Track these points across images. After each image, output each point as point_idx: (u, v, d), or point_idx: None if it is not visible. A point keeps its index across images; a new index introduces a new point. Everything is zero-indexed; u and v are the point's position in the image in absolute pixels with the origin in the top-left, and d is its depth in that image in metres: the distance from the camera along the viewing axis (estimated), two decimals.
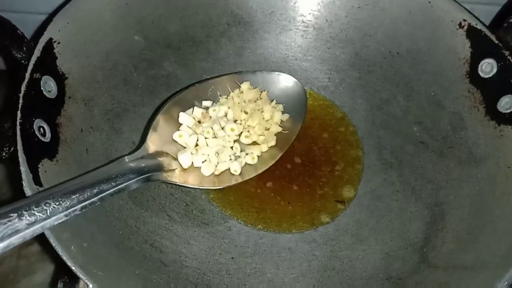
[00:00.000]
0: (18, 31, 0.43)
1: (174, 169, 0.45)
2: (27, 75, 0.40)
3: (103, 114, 0.49)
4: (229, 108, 0.51)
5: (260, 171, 0.49)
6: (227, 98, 0.53)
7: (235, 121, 0.51)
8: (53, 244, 0.33)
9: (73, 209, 0.33)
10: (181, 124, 0.49)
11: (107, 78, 0.50)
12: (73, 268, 0.32)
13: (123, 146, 0.50)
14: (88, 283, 0.32)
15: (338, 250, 0.48)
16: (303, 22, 0.61)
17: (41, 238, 0.32)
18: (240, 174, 0.48)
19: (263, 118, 0.52)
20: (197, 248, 0.47)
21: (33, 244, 0.59)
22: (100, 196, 0.35)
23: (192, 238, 0.47)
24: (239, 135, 0.51)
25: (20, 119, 0.38)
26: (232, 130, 0.50)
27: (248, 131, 0.51)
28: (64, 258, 0.32)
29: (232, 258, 0.47)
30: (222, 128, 0.49)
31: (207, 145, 0.48)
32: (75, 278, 0.36)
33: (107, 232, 0.41)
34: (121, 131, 0.51)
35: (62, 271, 0.37)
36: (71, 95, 0.45)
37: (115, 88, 0.51)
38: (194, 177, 0.46)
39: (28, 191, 0.34)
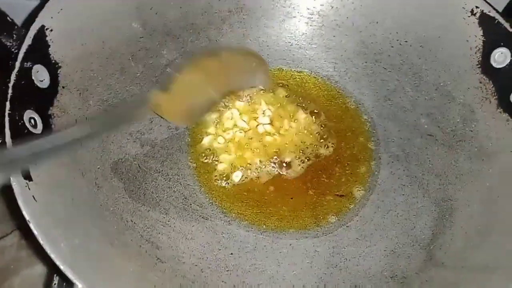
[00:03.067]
0: (8, 17, 0.42)
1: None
2: (18, 64, 0.38)
3: (99, 104, 0.48)
4: None
5: None
6: None
7: None
8: (41, 242, 0.31)
9: None
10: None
11: (103, 67, 0.49)
12: (62, 267, 0.31)
13: (120, 138, 0.49)
14: (78, 283, 0.31)
15: (341, 247, 0.47)
16: (308, 9, 0.59)
17: None
18: None
19: None
20: (195, 244, 0.46)
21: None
22: None
23: (190, 233, 0.46)
24: None
25: (9, 110, 0.36)
26: None
27: None
28: (53, 257, 0.31)
29: (231, 254, 0.46)
30: None
31: None
32: None
33: (101, 228, 0.40)
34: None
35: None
36: (65, 84, 0.44)
37: (112, 77, 0.50)
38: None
39: (16, 187, 0.33)
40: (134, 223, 0.44)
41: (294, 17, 0.60)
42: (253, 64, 0.54)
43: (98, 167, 0.45)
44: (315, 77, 0.59)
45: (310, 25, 0.60)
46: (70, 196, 0.39)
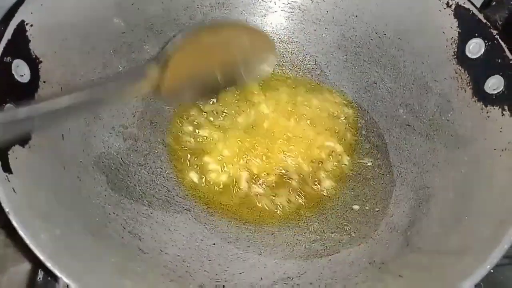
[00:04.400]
0: None
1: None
2: None
3: None
4: None
5: None
6: None
7: None
8: (20, 233, 0.32)
9: None
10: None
11: (85, 62, 0.49)
12: (41, 257, 0.31)
13: (103, 132, 0.49)
14: (58, 273, 0.31)
15: (322, 234, 0.48)
16: (289, 3, 0.60)
17: None
18: None
19: None
20: (177, 235, 0.46)
21: None
22: None
23: (172, 225, 0.47)
24: None
25: None
26: None
27: None
28: (32, 247, 0.31)
29: (214, 244, 0.46)
30: None
31: None
32: None
33: (83, 219, 0.40)
34: (100, 116, 0.49)
35: None
36: (46, 79, 0.44)
37: (94, 72, 0.50)
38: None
39: None
40: (117, 215, 0.44)
41: (275, 11, 0.60)
42: (258, 43, 0.50)
43: (80, 160, 0.45)
44: (296, 71, 0.60)
45: (291, 20, 0.61)
46: (51, 188, 0.39)
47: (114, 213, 0.44)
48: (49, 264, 0.31)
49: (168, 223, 0.47)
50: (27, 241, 0.32)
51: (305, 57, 0.60)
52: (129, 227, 0.44)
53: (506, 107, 0.44)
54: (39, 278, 0.45)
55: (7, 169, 0.35)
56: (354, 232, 0.48)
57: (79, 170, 0.44)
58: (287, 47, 0.61)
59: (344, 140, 0.55)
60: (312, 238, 0.48)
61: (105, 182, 0.46)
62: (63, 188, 0.41)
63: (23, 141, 0.39)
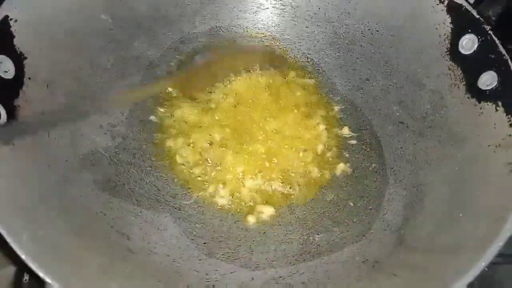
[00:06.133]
0: None
1: None
2: None
3: (67, 96, 0.47)
4: None
5: None
6: None
7: None
8: (2, 232, 0.30)
9: None
10: None
11: (71, 59, 0.48)
12: (23, 257, 0.30)
13: (90, 130, 0.48)
14: (40, 273, 0.30)
15: (315, 233, 0.47)
16: (280, 0, 0.59)
17: None
18: None
19: None
20: (167, 234, 0.45)
21: None
22: None
23: (162, 224, 0.46)
24: None
25: None
26: None
27: None
28: (14, 247, 0.30)
29: (204, 243, 0.46)
30: None
31: None
32: None
33: (68, 220, 0.39)
34: (87, 114, 0.48)
35: None
36: (31, 76, 0.43)
37: (81, 69, 0.49)
38: None
39: None
40: (104, 214, 0.43)
41: (266, 8, 0.60)
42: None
43: (66, 160, 0.44)
44: (288, 68, 0.59)
45: (283, 16, 0.60)
46: (35, 188, 0.38)
47: (101, 213, 0.43)
48: (31, 265, 0.30)
49: (158, 222, 0.46)
50: (9, 240, 0.31)
51: (297, 54, 0.60)
52: (117, 227, 0.43)
53: (499, 103, 0.44)
54: (25, 280, 0.44)
55: None
56: (347, 231, 0.47)
57: (65, 169, 0.43)
58: (278, 44, 0.60)
59: (337, 137, 0.54)
60: (304, 237, 0.47)
61: (92, 182, 0.45)
62: (48, 187, 0.40)
63: (7, 139, 0.38)
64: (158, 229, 0.45)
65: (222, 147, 0.50)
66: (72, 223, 0.38)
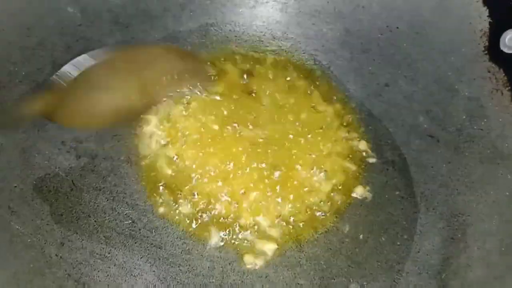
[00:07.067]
0: None
1: None
2: None
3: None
4: None
5: None
6: None
7: None
8: None
9: None
10: None
11: (28, 60, 0.45)
12: None
13: (49, 147, 0.42)
14: None
15: (330, 277, 0.41)
16: None
17: None
18: None
19: None
20: (143, 281, 0.39)
21: None
22: None
23: (137, 268, 0.40)
24: None
25: None
26: None
27: None
28: None
29: None
30: None
31: None
32: None
33: (12, 266, 0.31)
34: (46, 128, 0.43)
35: None
36: None
37: (41, 72, 0.44)
38: None
39: None
40: (61, 257, 0.37)
41: (266, 2, 0.54)
42: (180, 63, 0.48)
43: (15, 185, 0.39)
44: (292, 72, 0.52)
45: (286, 12, 0.55)
46: None
47: (56, 256, 0.37)
48: None
49: (131, 266, 0.39)
50: None
51: (303, 56, 0.54)
52: (76, 275, 0.36)
53: None
54: None
55: None
56: (371, 274, 0.40)
57: (11, 198, 0.38)
58: (280, 45, 0.54)
59: (353, 154, 0.47)
60: (317, 282, 0.40)
61: (48, 213, 0.39)
62: None
63: None
64: (131, 274, 0.39)
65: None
66: (16, 271, 0.31)
